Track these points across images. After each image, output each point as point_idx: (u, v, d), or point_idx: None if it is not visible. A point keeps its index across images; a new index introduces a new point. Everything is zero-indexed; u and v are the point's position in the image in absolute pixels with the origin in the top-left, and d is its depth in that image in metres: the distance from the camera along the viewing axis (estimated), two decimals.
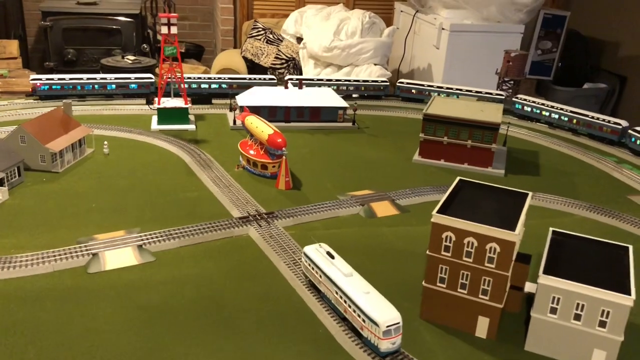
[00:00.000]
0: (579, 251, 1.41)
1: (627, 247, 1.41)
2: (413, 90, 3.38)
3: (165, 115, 2.66)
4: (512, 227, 1.29)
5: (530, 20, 4.92)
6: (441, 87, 3.33)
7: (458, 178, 1.55)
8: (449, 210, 1.38)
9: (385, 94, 3.44)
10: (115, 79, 3.08)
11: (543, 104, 3.05)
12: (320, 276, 1.41)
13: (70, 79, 3.01)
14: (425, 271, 1.39)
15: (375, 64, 4.64)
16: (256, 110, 2.75)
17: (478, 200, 1.47)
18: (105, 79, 3.07)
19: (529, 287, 1.50)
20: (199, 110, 2.93)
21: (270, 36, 4.94)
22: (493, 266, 1.31)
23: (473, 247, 1.31)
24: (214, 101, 3.08)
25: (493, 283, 1.32)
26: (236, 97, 2.82)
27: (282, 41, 4.94)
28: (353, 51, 4.57)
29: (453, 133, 2.40)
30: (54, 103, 2.85)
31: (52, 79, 2.98)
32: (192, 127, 2.68)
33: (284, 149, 2.10)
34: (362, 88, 3.40)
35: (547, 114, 3.01)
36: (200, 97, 3.07)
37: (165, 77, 2.62)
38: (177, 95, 2.74)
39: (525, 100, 3.12)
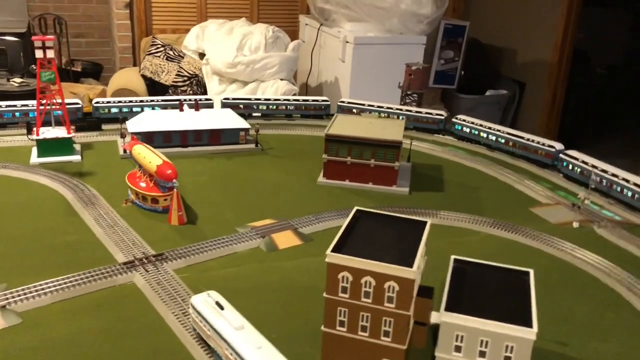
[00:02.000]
0: (481, 280, 1.35)
1: (528, 272, 1.36)
2: (354, 110, 3.18)
3: (46, 147, 2.42)
4: (410, 263, 1.20)
5: (432, 30, 4.99)
6: (381, 107, 3.16)
7: (355, 208, 1.46)
8: (345, 248, 1.28)
9: (327, 113, 3.26)
10: (6, 106, 2.78)
11: (481, 125, 2.93)
12: (209, 330, 1.27)
13: (7, 106, 2.75)
14: (324, 315, 1.28)
15: (281, 79, 4.55)
16: (149, 136, 2.57)
17: (376, 232, 1.38)
18: (26, 105, 2.80)
19: (435, 316, 1.42)
20: (87, 138, 2.70)
21: (171, 53, 4.73)
22: (393, 306, 1.21)
23: (371, 287, 1.21)
24: (104, 127, 2.85)
25: (394, 324, 1.23)
26: (126, 122, 2.63)
27: (183, 58, 4.75)
28: (258, 66, 4.46)
29: (356, 153, 2.33)
30: None
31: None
32: (77, 158, 2.45)
33: (174, 180, 1.94)
34: (303, 107, 3.22)
35: (485, 135, 2.90)
36: (89, 123, 2.83)
37: (44, 105, 2.38)
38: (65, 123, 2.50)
39: (464, 120, 3.01)
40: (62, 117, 2.43)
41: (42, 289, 1.51)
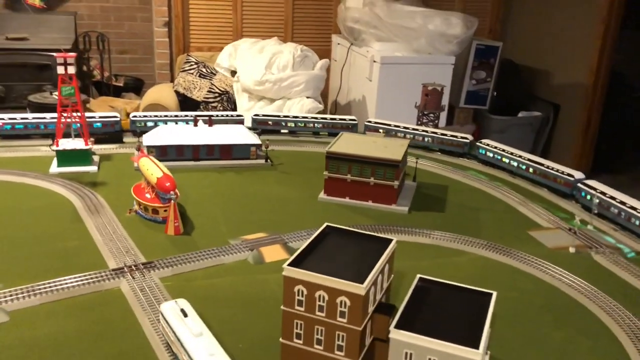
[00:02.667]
0: (441, 300, 1.36)
1: (491, 294, 1.37)
2: (380, 130, 3.16)
3: (65, 157, 2.55)
4: (363, 279, 1.23)
5: (461, 51, 4.99)
6: (407, 128, 3.14)
7: (325, 224, 1.50)
8: (304, 262, 1.32)
9: (354, 132, 3.21)
10: (79, 117, 2.93)
11: (504, 150, 2.83)
12: (172, 336, 1.33)
13: (34, 118, 2.92)
14: (282, 327, 1.32)
15: (307, 97, 4.63)
16: (163, 149, 2.69)
17: (341, 248, 1.41)
18: (70, 118, 2.92)
19: None
20: (108, 150, 2.84)
21: (203, 70, 4.89)
22: (345, 320, 1.24)
23: (324, 301, 1.25)
24: (125, 140, 2.99)
25: (347, 338, 1.26)
26: (143, 136, 2.75)
27: (215, 75, 4.90)
28: (285, 84, 4.56)
29: (356, 170, 2.37)
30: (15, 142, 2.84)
31: (14, 119, 2.88)
32: (93, 168, 2.58)
33: (172, 192, 2.02)
34: (330, 126, 3.23)
35: (507, 161, 2.79)
36: (111, 135, 2.98)
37: (65, 118, 2.53)
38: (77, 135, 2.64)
39: (488, 145, 2.90)
40: (80, 129, 2.57)
41: (34, 290, 1.61)
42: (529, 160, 2.74)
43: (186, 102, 4.77)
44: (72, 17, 5.62)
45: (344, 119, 3.27)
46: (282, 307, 1.30)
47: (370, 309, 1.30)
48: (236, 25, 5.74)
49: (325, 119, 3.27)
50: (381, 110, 4.81)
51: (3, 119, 2.89)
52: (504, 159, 2.83)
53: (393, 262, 1.46)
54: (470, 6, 6.25)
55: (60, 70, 2.46)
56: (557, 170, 2.60)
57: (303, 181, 2.61)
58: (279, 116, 3.29)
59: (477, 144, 2.97)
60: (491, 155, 2.90)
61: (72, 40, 5.30)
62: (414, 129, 3.13)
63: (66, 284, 1.65)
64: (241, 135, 2.81)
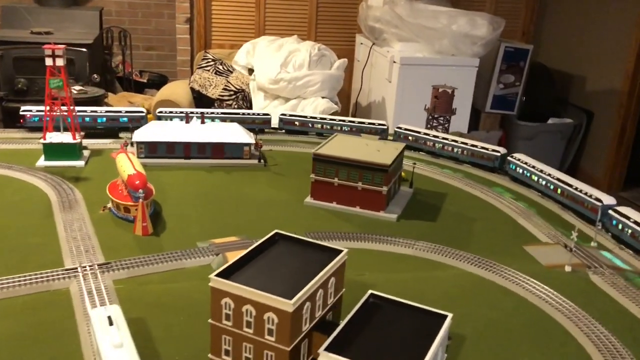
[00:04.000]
0: (391, 320, 1.23)
1: (446, 316, 1.23)
2: (410, 137, 3.01)
3: (52, 151, 2.51)
4: (292, 295, 1.11)
5: (486, 53, 4.79)
6: (437, 137, 2.94)
7: (274, 231, 1.39)
8: (238, 272, 1.21)
9: (383, 138, 2.98)
10: (106, 112, 2.96)
11: (534, 167, 2.56)
12: (94, 345, 1.24)
13: (60, 111, 2.85)
14: (210, 342, 1.21)
15: (323, 97, 4.52)
16: (153, 146, 2.62)
17: (285, 258, 1.30)
18: (95, 111, 2.95)
19: None
20: (101, 145, 2.79)
21: (220, 67, 4.84)
22: (273, 339, 1.13)
23: (252, 317, 1.14)
24: (122, 135, 2.94)
25: (275, 358, 1.14)
26: (135, 131, 2.69)
27: (232, 72, 4.84)
28: (300, 84, 4.47)
29: (343, 174, 2.24)
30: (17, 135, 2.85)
31: (41, 111, 2.85)
32: (80, 163, 2.54)
33: (141, 191, 1.94)
34: (359, 130, 3.05)
35: (536, 179, 2.52)
36: (106, 130, 2.93)
37: (53, 111, 2.49)
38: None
39: (519, 160, 2.65)
40: (68, 123, 2.53)
41: None
42: (557, 179, 2.44)
43: (201, 100, 4.73)
44: (97, 12, 5.65)
45: (373, 124, 3.10)
46: (209, 320, 1.19)
47: (306, 327, 1.18)
48: (259, 23, 5.68)
49: (353, 122, 3.12)
50: (399, 113, 4.66)
51: (30, 110, 2.89)
52: (533, 177, 2.54)
53: (343, 275, 1.34)
54: (502, 7, 6.03)
55: (48, 62, 2.42)
56: (586, 193, 2.28)
57: (294, 184, 2.50)
58: (306, 117, 3.18)
59: (509, 158, 2.70)
60: (521, 171, 2.62)
61: (93, 36, 5.32)
62: (443, 138, 2.92)
63: (16, 282, 1.59)
64: (234, 133, 2.72)
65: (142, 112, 2.96)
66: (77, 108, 2.91)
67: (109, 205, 2.10)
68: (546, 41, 6.12)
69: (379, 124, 3.11)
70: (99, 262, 1.72)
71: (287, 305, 1.09)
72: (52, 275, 1.63)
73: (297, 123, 3.15)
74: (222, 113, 3.11)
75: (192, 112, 3.02)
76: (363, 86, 5.34)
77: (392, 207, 2.30)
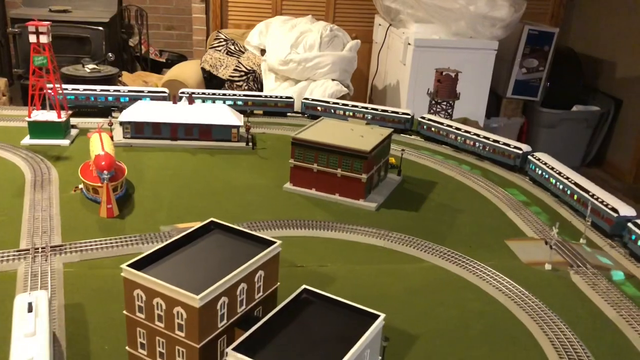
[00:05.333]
0: (317, 318, 1.15)
1: (378, 316, 1.14)
2: (433, 129, 2.86)
3: (37, 129, 2.50)
4: (202, 289, 1.05)
5: (506, 35, 4.59)
6: (459, 129, 2.75)
7: (210, 219, 1.32)
8: (157, 262, 1.15)
9: (407, 128, 2.95)
10: (129, 91, 2.97)
11: (553, 169, 2.31)
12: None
13: (84, 89, 2.94)
14: (126, 333, 1.16)
15: (333, 79, 4.41)
16: (139, 126, 2.58)
17: (213, 249, 1.23)
18: (118, 91, 2.96)
19: None
20: (91, 124, 2.76)
21: (232, 47, 4.78)
22: (183, 334, 1.07)
23: (162, 310, 1.08)
24: (115, 114, 2.91)
25: (186, 355, 1.08)
26: (124, 111, 2.65)
27: (244, 53, 4.77)
28: (310, 65, 4.36)
29: (323, 160, 2.16)
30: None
31: (66, 89, 2.86)
32: (65, 142, 2.52)
33: (105, 172, 1.90)
34: (380, 118, 2.94)
35: (554, 182, 2.29)
36: (100, 109, 2.91)
37: (40, 88, 2.47)
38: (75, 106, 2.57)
39: (539, 159, 2.41)
40: (53, 101, 2.51)
41: None
42: (574, 184, 2.17)
43: (211, 80, 4.67)
44: None
45: (397, 112, 2.96)
46: (124, 311, 1.14)
47: (223, 323, 1.11)
48: (276, 2, 5.58)
49: (376, 109, 2.99)
50: (413, 97, 4.52)
51: (66, 89, 2.87)
52: (551, 179, 2.30)
53: (276, 269, 1.26)
54: None
55: (32, 39, 2.39)
56: (602, 202, 2.01)
57: (278, 168, 2.42)
58: (328, 102, 3.10)
59: (529, 157, 2.46)
60: (539, 172, 2.38)
61: (110, 14, 5.32)
62: (465, 131, 2.73)
63: None
64: (223, 115, 2.65)
65: (164, 92, 2.93)
66: (101, 87, 2.95)
67: (81, 186, 2.07)
68: (576, 25, 5.84)
69: (403, 113, 2.95)
70: (53, 244, 1.68)
71: (194, 300, 1.03)
72: (3, 256, 1.60)
73: (319, 108, 3.06)
74: (245, 95, 3.07)
75: (213, 93, 3.02)
76: (379, 69, 5.20)
77: (373, 196, 2.20)
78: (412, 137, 2.93)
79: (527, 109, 5.44)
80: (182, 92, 2.99)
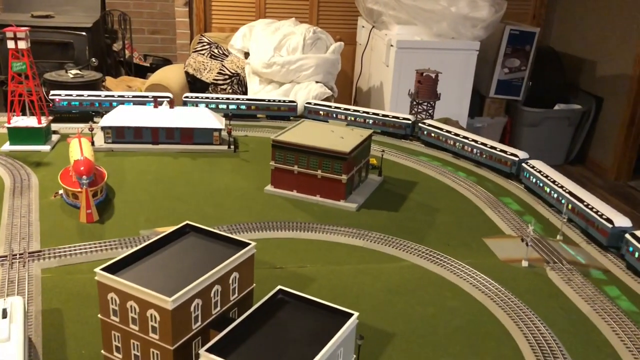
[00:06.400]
0: (292, 319, 1.16)
1: (352, 315, 1.15)
2: (433, 135, 2.81)
3: (17, 135, 2.49)
4: (175, 291, 1.05)
5: (487, 36, 4.63)
6: (457, 135, 2.69)
7: (185, 222, 1.33)
8: (132, 265, 1.16)
9: (408, 134, 2.94)
10: (134, 97, 2.99)
11: (548, 177, 2.24)
12: None
13: (89, 95, 2.98)
14: (102, 337, 1.17)
15: (317, 82, 4.43)
16: (120, 131, 2.58)
17: (188, 252, 1.24)
18: (122, 96, 2.98)
19: None
20: (73, 130, 2.75)
21: (215, 51, 4.78)
22: (157, 337, 1.07)
23: (136, 313, 1.08)
24: (97, 119, 2.91)
25: (160, 357, 1.09)
26: (104, 116, 2.65)
27: (227, 56, 4.78)
28: (293, 68, 4.37)
29: (303, 162, 2.17)
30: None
31: (70, 95, 2.95)
32: (46, 148, 2.51)
33: (84, 177, 1.90)
34: (381, 123, 2.94)
35: (549, 190, 2.21)
36: (81, 115, 2.91)
37: (18, 94, 2.46)
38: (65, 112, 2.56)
39: (533, 167, 2.34)
40: (32, 107, 2.50)
41: None
42: (570, 193, 2.09)
43: (195, 84, 4.67)
44: None
45: (398, 118, 2.95)
46: (99, 315, 1.14)
47: (197, 325, 1.12)
48: (259, 6, 5.59)
49: (377, 115, 2.98)
50: (396, 99, 4.54)
51: (60, 95, 2.94)
52: (545, 188, 2.23)
53: (251, 270, 1.27)
54: None
55: (10, 44, 2.39)
56: (597, 212, 1.94)
57: (259, 171, 2.43)
58: (330, 106, 3.09)
59: (524, 165, 2.39)
60: (534, 180, 2.31)
61: (93, 19, 5.30)
62: (464, 137, 2.67)
63: None
64: (204, 118, 2.66)
65: (168, 97, 2.94)
66: (105, 92, 3.01)
67: (61, 191, 2.07)
68: (558, 25, 5.90)
69: (404, 118, 2.94)
70: (32, 249, 1.68)
71: (167, 302, 1.03)
72: None
73: (321, 112, 3.07)
74: (247, 100, 3.09)
75: (216, 98, 3.05)
76: (363, 70, 5.23)
77: (354, 197, 2.22)
78: (414, 143, 2.90)
79: (510, 108, 5.49)
80: (186, 97, 3.04)
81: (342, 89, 5.21)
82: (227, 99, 3.07)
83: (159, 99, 2.70)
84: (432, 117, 3.13)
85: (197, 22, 5.53)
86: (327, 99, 4.28)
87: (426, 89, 3.06)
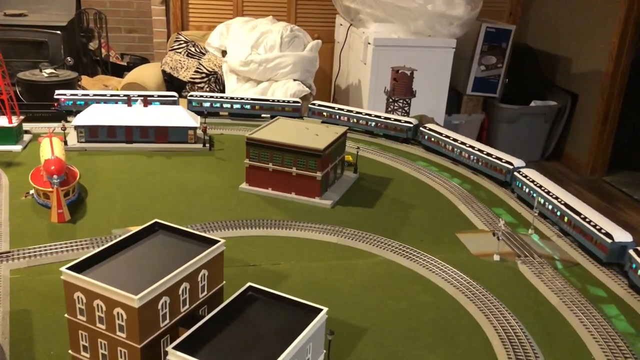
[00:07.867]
0: (261, 315, 1.16)
1: (321, 310, 1.16)
2: (433, 139, 2.73)
3: None
4: (142, 289, 1.05)
5: (464, 33, 4.67)
6: (456, 140, 2.63)
7: (154, 220, 1.32)
8: (99, 264, 1.15)
9: (410, 137, 2.84)
10: (138, 96, 2.89)
11: (541, 187, 2.13)
12: None
13: (94, 94, 2.95)
14: (69, 337, 1.16)
15: (295, 80, 4.43)
16: (93, 130, 2.56)
17: (157, 250, 1.24)
18: (127, 95, 2.89)
19: None
20: (45, 129, 2.72)
21: (192, 49, 4.75)
22: (124, 335, 1.07)
23: (103, 312, 1.08)
24: (70, 119, 2.88)
25: (128, 355, 1.08)
26: (77, 115, 2.62)
27: (204, 55, 4.76)
28: (270, 66, 4.37)
29: (278, 159, 2.17)
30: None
31: (76, 94, 2.92)
32: (17, 148, 2.48)
33: (55, 176, 1.88)
34: (384, 126, 2.89)
35: (542, 201, 2.10)
36: (54, 114, 2.87)
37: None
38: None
39: (526, 177, 2.23)
40: (2, 106, 2.47)
41: None
42: (565, 204, 1.98)
43: (172, 83, 4.65)
44: None
45: (400, 120, 2.88)
46: (65, 315, 1.13)
47: (166, 322, 1.12)
48: (237, 4, 5.57)
49: (379, 117, 2.92)
50: (374, 96, 4.56)
51: (65, 94, 2.90)
52: (539, 198, 2.10)
53: (220, 267, 1.27)
54: None
55: None
56: (595, 226, 1.82)
57: (235, 169, 2.42)
58: (333, 108, 3.04)
59: (515, 173, 2.29)
60: (526, 190, 2.20)
61: (68, 18, 5.23)
62: (461, 143, 2.58)
63: None
64: (178, 117, 2.64)
65: (174, 96, 2.91)
66: (110, 92, 2.96)
67: (32, 191, 2.05)
68: (533, 22, 5.97)
69: (406, 121, 2.87)
70: (0, 250, 1.66)
71: (133, 300, 1.03)
72: None
73: (325, 114, 3.02)
74: (252, 99, 3.06)
75: (221, 97, 3.04)
76: (341, 68, 5.24)
77: (329, 193, 2.22)
78: (414, 147, 2.83)
79: (487, 105, 5.54)
80: (191, 96, 3.02)
81: (320, 87, 5.22)
82: (232, 98, 3.04)
83: (132, 97, 2.68)
84: (408, 114, 3.15)
85: (174, 20, 5.50)
86: (305, 97, 4.28)
87: (402, 87, 3.08)
